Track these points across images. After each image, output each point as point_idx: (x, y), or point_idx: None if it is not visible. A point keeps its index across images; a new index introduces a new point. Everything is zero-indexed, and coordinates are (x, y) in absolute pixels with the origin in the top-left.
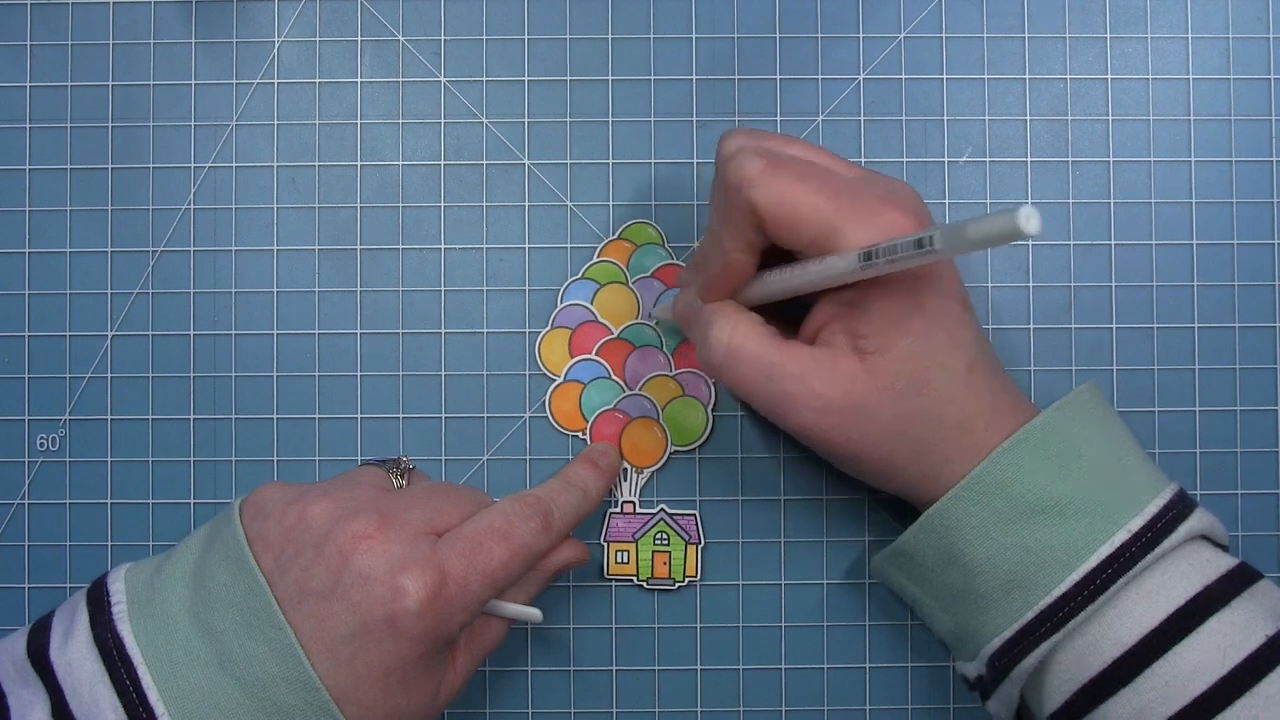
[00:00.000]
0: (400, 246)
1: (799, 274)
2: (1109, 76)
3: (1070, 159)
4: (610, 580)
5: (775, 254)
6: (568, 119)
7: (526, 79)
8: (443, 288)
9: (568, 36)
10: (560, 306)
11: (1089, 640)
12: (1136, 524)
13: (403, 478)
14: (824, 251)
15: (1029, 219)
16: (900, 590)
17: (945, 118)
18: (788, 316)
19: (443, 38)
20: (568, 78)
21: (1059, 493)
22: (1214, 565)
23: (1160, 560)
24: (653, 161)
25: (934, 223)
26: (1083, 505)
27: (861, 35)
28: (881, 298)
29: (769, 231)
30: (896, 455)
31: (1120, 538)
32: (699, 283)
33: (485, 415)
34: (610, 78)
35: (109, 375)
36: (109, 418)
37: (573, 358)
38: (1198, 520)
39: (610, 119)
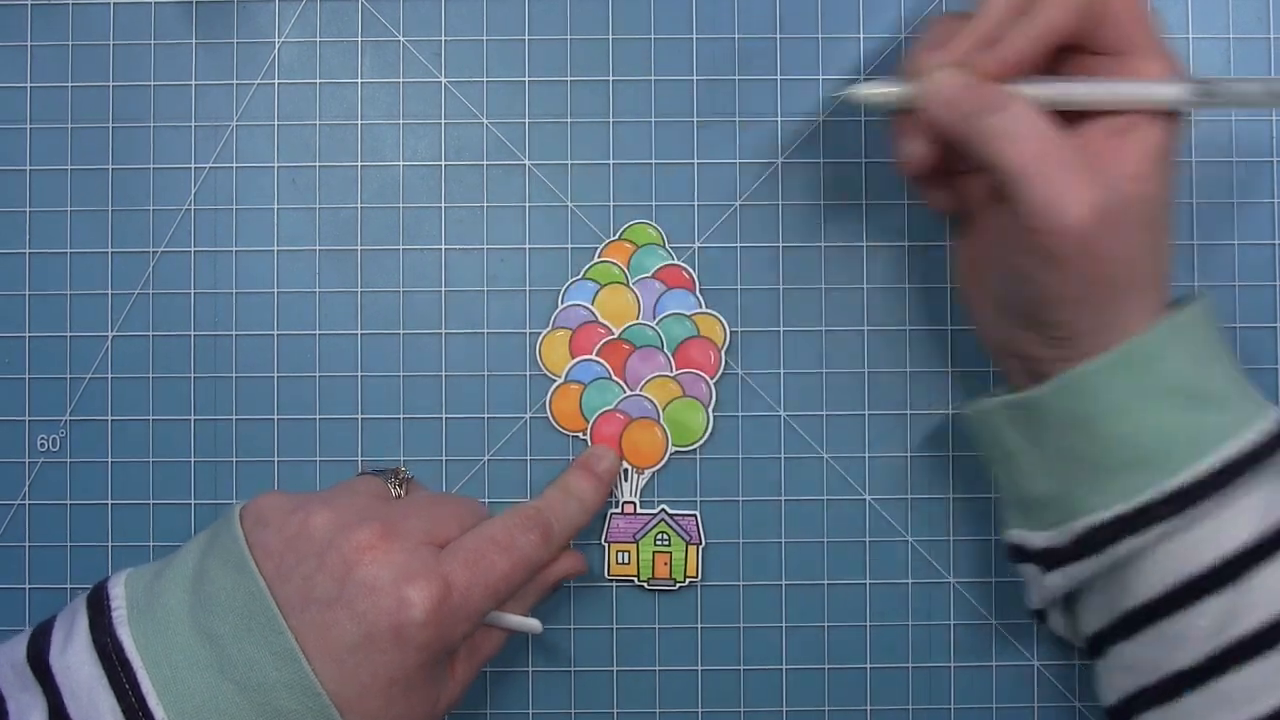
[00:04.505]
0: (400, 247)
1: (1109, 89)
2: None
3: None
4: (611, 580)
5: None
6: (568, 119)
7: (526, 79)
8: (443, 288)
9: (568, 36)
10: (561, 307)
11: (1203, 533)
12: (1272, 426)
13: (400, 486)
14: (1128, 64)
15: None
16: (996, 441)
17: None
18: None
19: (443, 38)
20: (568, 78)
21: (1203, 382)
22: None
23: None
24: (653, 161)
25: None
26: (1223, 400)
27: (862, 35)
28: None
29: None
30: (1104, 291)
31: (1255, 435)
32: (984, 58)
33: (486, 416)
34: (610, 78)
35: (109, 375)
36: (109, 418)
37: (573, 358)
38: None
39: (610, 119)
